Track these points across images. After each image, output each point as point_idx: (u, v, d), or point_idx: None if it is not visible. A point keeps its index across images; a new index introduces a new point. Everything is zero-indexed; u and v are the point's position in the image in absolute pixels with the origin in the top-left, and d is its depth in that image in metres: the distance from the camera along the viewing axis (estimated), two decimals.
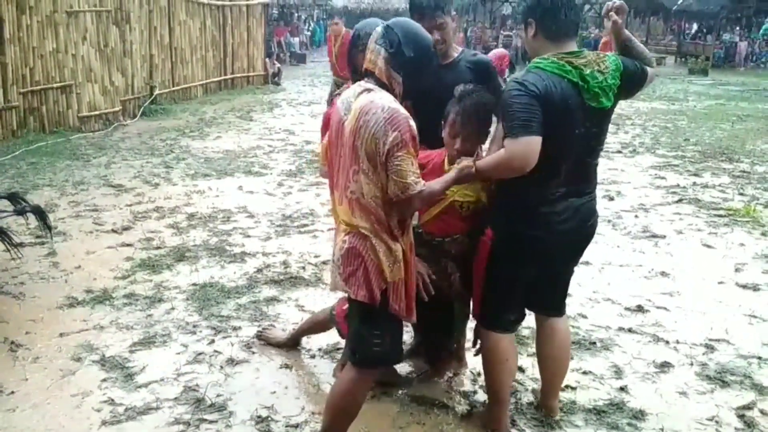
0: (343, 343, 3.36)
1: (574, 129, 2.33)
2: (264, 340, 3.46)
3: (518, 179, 2.33)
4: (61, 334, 3.53)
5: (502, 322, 2.62)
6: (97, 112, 9.59)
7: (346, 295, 2.37)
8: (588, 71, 2.33)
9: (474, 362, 3.07)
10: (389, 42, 2.24)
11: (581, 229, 2.54)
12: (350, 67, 2.78)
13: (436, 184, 2.31)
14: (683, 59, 25.71)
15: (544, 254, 2.52)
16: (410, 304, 2.36)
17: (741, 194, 6.64)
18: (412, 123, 2.19)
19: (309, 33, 26.05)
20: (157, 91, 11.40)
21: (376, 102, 2.18)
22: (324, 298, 4.00)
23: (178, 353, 3.35)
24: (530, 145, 2.24)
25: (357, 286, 2.25)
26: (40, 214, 4.21)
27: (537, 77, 2.30)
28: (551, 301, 2.74)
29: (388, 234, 2.24)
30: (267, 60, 16.04)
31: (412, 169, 2.16)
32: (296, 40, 23.55)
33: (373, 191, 2.20)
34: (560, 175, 2.39)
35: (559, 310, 2.76)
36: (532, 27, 2.40)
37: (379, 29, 2.30)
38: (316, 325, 3.31)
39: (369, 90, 2.26)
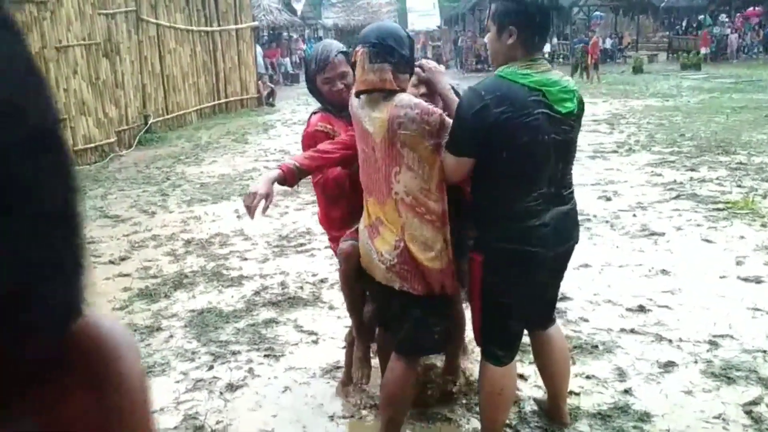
0: (342, 361, 3.34)
1: (542, 135, 2.23)
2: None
3: (497, 194, 2.31)
4: None
5: (493, 355, 2.49)
6: (92, 145, 9.62)
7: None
8: (552, 77, 2.28)
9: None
10: (390, 54, 2.30)
11: (569, 238, 2.47)
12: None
13: (452, 108, 2.37)
14: (675, 55, 25.78)
15: (541, 270, 2.42)
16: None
17: (739, 186, 6.60)
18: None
19: (302, 53, 26.16)
20: (151, 120, 11.46)
21: (402, 104, 2.28)
22: (323, 317, 3.98)
23: (178, 381, 3.33)
24: (457, 165, 2.30)
25: (417, 283, 2.38)
26: None
27: (494, 87, 2.23)
28: (542, 315, 2.66)
29: (441, 221, 2.35)
30: (260, 82, 16.13)
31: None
32: (287, 60, 23.69)
33: (420, 184, 2.31)
34: (538, 185, 2.30)
35: (549, 322, 2.69)
36: (513, 34, 2.27)
37: (365, 49, 2.32)
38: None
39: (380, 100, 2.34)
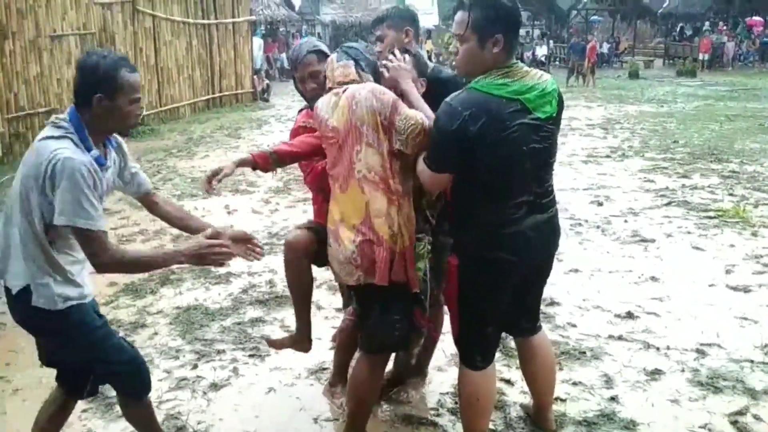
0: (328, 362, 3.33)
1: (520, 146, 2.20)
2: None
3: (475, 201, 2.28)
4: (41, 365, 3.46)
5: (470, 359, 2.47)
6: None
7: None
8: (529, 82, 2.23)
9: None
10: (354, 56, 2.54)
11: (548, 247, 2.44)
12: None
13: (417, 104, 2.42)
14: (671, 61, 25.86)
15: (514, 278, 2.37)
16: (412, 274, 2.45)
17: (730, 194, 6.61)
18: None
19: None
20: (144, 112, 11.38)
21: (356, 88, 2.43)
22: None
23: (161, 380, 3.28)
24: (436, 179, 2.32)
25: (377, 273, 2.35)
26: None
27: (471, 101, 2.18)
28: (524, 323, 2.64)
29: (399, 202, 2.38)
30: (256, 77, 16.04)
31: (412, 111, 2.34)
32: (283, 55, 23.57)
33: (380, 161, 2.36)
34: (518, 194, 2.26)
35: (533, 329, 2.66)
36: (499, 42, 2.21)
37: (335, 55, 2.56)
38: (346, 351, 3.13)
39: (340, 94, 2.47)
